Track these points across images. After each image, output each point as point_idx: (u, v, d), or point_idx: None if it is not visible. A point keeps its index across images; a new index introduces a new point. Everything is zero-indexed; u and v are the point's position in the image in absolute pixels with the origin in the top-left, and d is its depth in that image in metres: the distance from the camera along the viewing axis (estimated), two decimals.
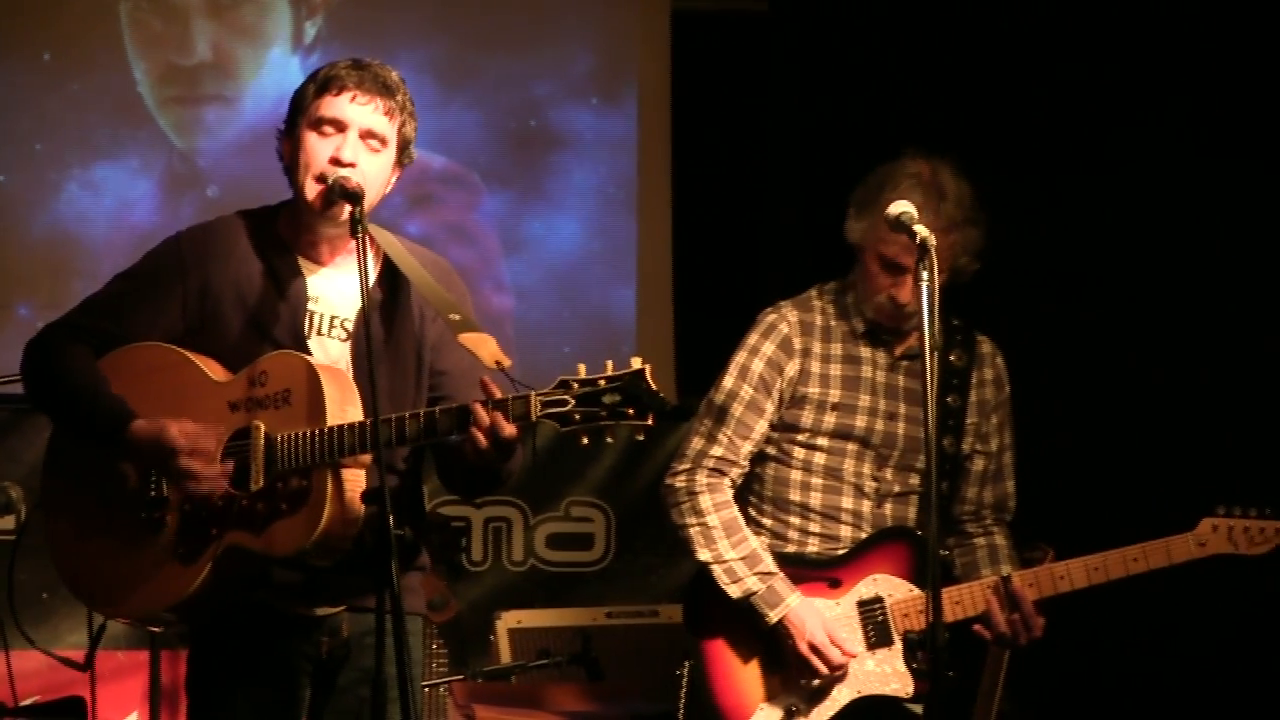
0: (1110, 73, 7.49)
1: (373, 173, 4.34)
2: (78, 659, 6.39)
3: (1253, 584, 6.51)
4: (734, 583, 5.07)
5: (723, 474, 5.17)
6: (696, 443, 5.19)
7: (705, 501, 5.13)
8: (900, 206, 4.57)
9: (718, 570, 5.09)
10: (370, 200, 4.32)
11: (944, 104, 7.57)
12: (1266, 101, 7.25)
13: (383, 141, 4.35)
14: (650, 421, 4.02)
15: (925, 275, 4.36)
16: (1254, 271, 7.27)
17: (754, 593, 5.05)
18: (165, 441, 4.24)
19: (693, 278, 8.11)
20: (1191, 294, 7.37)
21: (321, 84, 4.35)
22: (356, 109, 4.31)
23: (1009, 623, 5.06)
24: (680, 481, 5.17)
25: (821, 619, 5.04)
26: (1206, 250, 7.35)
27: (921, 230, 4.45)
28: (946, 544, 5.24)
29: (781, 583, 5.06)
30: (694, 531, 5.13)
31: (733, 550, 5.09)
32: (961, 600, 5.06)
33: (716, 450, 5.16)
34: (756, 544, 5.11)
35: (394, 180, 4.45)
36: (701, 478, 5.15)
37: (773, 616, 5.04)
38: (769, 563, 5.08)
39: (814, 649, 5.01)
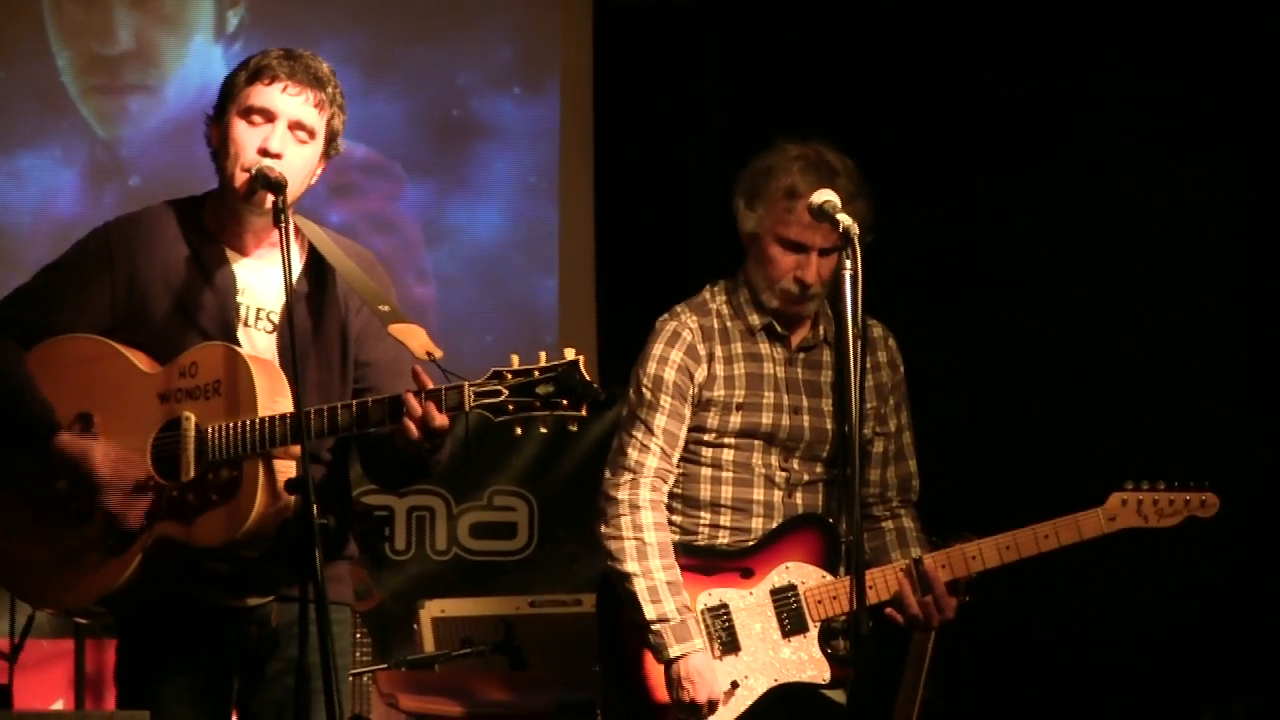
0: (1028, 71, 7.58)
1: (298, 164, 4.34)
2: (1, 648, 6.37)
3: (1172, 565, 6.63)
4: (653, 603, 5.00)
5: (664, 482, 5.13)
6: (633, 453, 5.11)
7: (646, 518, 5.06)
8: (824, 195, 4.60)
9: (641, 584, 5.01)
10: (295, 191, 4.31)
11: (867, 95, 7.63)
12: (1164, 93, 7.37)
13: (311, 133, 4.35)
14: (584, 412, 4.04)
15: (849, 264, 4.40)
16: (1154, 251, 7.37)
17: (668, 621, 4.97)
18: (88, 469, 4.24)
19: (615, 267, 8.13)
20: (1098, 274, 7.47)
21: (253, 72, 4.33)
22: (286, 100, 4.31)
23: (921, 605, 5.02)
24: (623, 494, 5.09)
25: (715, 679, 5.00)
26: (1109, 233, 7.44)
27: (845, 219, 4.48)
28: None
29: (695, 623, 5.01)
30: (629, 543, 5.04)
31: (662, 572, 5.02)
32: (874, 584, 5.00)
33: (653, 461, 5.09)
34: (680, 576, 5.05)
35: (320, 171, 4.45)
36: (645, 492, 5.08)
37: (674, 651, 4.97)
38: (688, 598, 5.05)
39: (693, 704, 4.97)
